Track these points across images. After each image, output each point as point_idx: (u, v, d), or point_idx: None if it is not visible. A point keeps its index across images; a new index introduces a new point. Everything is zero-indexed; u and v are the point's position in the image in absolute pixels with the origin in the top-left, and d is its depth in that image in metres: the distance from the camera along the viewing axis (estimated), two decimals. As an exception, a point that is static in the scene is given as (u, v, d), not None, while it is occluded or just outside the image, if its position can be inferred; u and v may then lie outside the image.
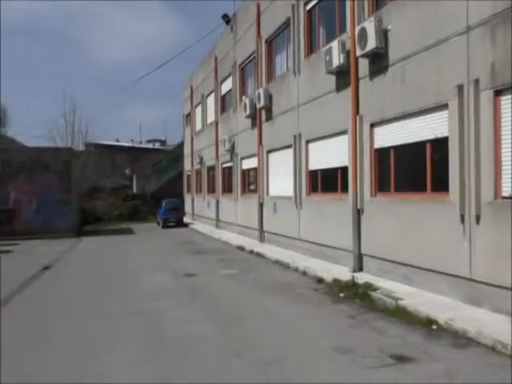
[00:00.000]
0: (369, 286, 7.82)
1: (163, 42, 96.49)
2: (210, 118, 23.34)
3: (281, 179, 14.03)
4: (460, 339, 5.41)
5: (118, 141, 50.83)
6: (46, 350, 5.52)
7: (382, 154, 8.90)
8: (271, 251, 13.07)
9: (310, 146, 11.96)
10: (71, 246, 17.23)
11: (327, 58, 10.02)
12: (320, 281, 9.06)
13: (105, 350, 5.45)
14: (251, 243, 15.11)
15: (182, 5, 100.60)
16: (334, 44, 9.77)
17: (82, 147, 35.94)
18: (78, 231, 21.51)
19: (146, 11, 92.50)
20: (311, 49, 12.01)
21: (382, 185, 8.93)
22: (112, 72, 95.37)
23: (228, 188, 20.20)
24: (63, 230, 20.11)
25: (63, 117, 35.42)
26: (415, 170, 8.06)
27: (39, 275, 10.93)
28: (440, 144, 7.20)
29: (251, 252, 13.72)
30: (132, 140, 52.84)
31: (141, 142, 54.38)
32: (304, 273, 10.01)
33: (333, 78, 10.33)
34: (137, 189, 36.60)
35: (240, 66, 18.03)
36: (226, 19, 19.09)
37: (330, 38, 10.79)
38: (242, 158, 17.92)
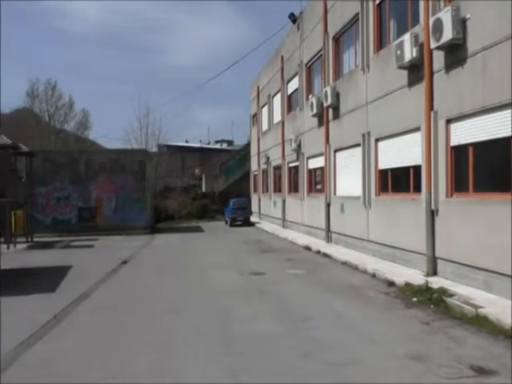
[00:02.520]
0: (444, 292, 7.41)
1: (230, 43, 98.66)
2: (277, 117, 23.45)
3: (348, 179, 13.74)
4: (550, 353, 4.94)
5: (187, 142, 52.83)
6: (123, 341, 5.89)
7: (459, 152, 8.37)
8: (338, 252, 12.85)
9: (380, 144, 11.57)
10: (146, 242, 18.21)
11: (398, 53, 9.64)
12: (391, 284, 8.74)
13: (179, 343, 5.69)
14: (318, 243, 14.96)
15: (247, 6, 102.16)
16: (406, 37, 9.37)
17: (154, 148, 37.88)
18: (151, 228, 22.70)
19: (213, 14, 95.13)
20: (381, 44, 11.62)
21: (458, 185, 8.41)
22: (181, 76, 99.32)
23: (294, 187, 20.17)
24: (138, 227, 21.37)
25: (138, 120, 37.60)
26: (498, 169, 7.49)
27: (118, 269, 11.69)
28: (527, 140, 6.63)
29: (318, 252, 13.59)
30: (200, 141, 54.64)
31: (209, 143, 56.04)
32: (373, 275, 9.72)
33: (404, 72, 9.91)
34: (205, 188, 37.77)
35: (306, 64, 17.92)
36: (293, 18, 19.07)
37: (401, 31, 10.36)
38: (309, 158, 17.80)
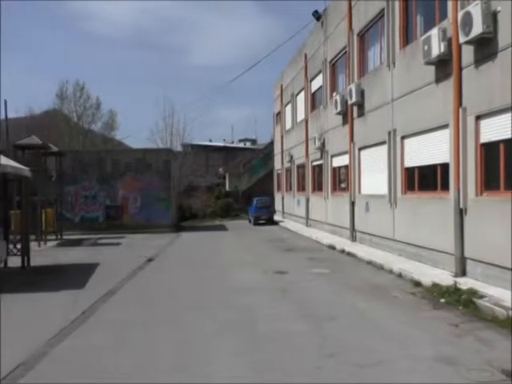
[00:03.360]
0: (473, 293, 7.20)
1: (254, 43, 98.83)
2: (300, 116, 23.34)
3: (373, 177, 13.54)
4: None
5: (211, 141, 53.24)
6: (149, 337, 5.98)
7: (489, 149, 8.12)
8: (363, 251, 12.69)
9: (406, 141, 11.35)
10: (171, 240, 18.45)
11: (425, 48, 9.42)
12: (417, 284, 8.57)
13: (202, 340, 5.74)
14: (342, 242, 14.82)
15: (272, 5, 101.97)
16: (434, 32, 9.15)
17: (179, 148, 38.29)
18: (176, 227, 22.98)
19: (238, 14, 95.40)
20: (407, 39, 11.38)
21: (489, 183, 8.16)
22: (206, 76, 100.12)
23: (318, 186, 20.03)
24: (164, 225, 21.68)
25: (163, 120, 38.11)
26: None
27: (144, 266, 11.88)
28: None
29: (342, 251, 13.45)
30: (224, 140, 54.99)
31: (232, 142, 56.31)
32: (399, 275, 9.55)
33: (432, 68, 9.69)
34: (229, 187, 37.97)
35: (331, 62, 17.75)
36: (317, 16, 18.93)
37: (428, 26, 10.13)
38: (333, 156, 17.64)
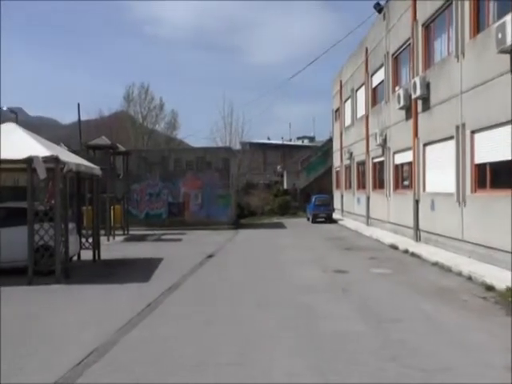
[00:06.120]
0: (554, 300, 6.63)
1: (313, 39, 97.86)
2: (360, 111, 22.76)
3: (439, 174, 12.89)
4: None
5: (269, 139, 53.43)
6: (211, 331, 6.13)
7: None
8: (428, 252, 12.12)
9: (477, 136, 10.68)
10: (230, 237, 18.79)
11: (499, 36, 8.79)
12: (489, 288, 8.03)
13: (264, 337, 5.78)
14: (405, 242, 14.26)
15: (329, 3, 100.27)
16: (509, 18, 8.51)
17: (238, 146, 38.89)
18: (235, 224, 23.37)
19: (296, 12, 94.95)
20: (478, 28, 10.69)
21: None
22: (265, 74, 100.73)
23: (379, 184, 19.43)
24: (223, 222, 22.14)
25: (222, 119, 38.90)
26: None
27: (205, 262, 12.21)
28: None
29: (406, 252, 12.95)
30: (282, 138, 54.92)
31: (290, 140, 56.11)
32: (469, 278, 9.01)
33: (506, 57, 9.02)
34: (287, 185, 37.92)
35: (393, 55, 17.12)
36: (378, 8, 18.34)
37: (502, 12, 9.43)
38: (395, 152, 17.02)
